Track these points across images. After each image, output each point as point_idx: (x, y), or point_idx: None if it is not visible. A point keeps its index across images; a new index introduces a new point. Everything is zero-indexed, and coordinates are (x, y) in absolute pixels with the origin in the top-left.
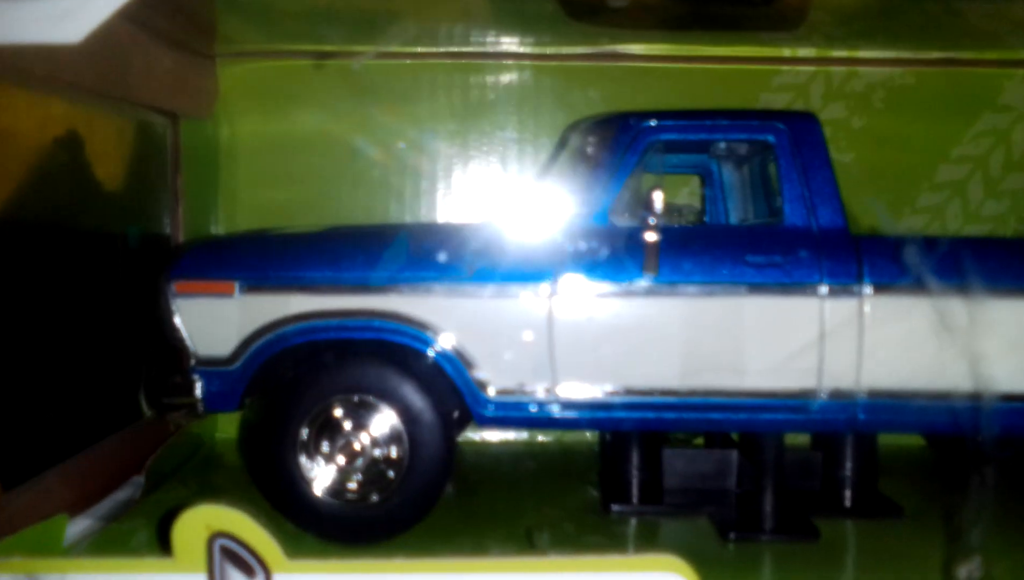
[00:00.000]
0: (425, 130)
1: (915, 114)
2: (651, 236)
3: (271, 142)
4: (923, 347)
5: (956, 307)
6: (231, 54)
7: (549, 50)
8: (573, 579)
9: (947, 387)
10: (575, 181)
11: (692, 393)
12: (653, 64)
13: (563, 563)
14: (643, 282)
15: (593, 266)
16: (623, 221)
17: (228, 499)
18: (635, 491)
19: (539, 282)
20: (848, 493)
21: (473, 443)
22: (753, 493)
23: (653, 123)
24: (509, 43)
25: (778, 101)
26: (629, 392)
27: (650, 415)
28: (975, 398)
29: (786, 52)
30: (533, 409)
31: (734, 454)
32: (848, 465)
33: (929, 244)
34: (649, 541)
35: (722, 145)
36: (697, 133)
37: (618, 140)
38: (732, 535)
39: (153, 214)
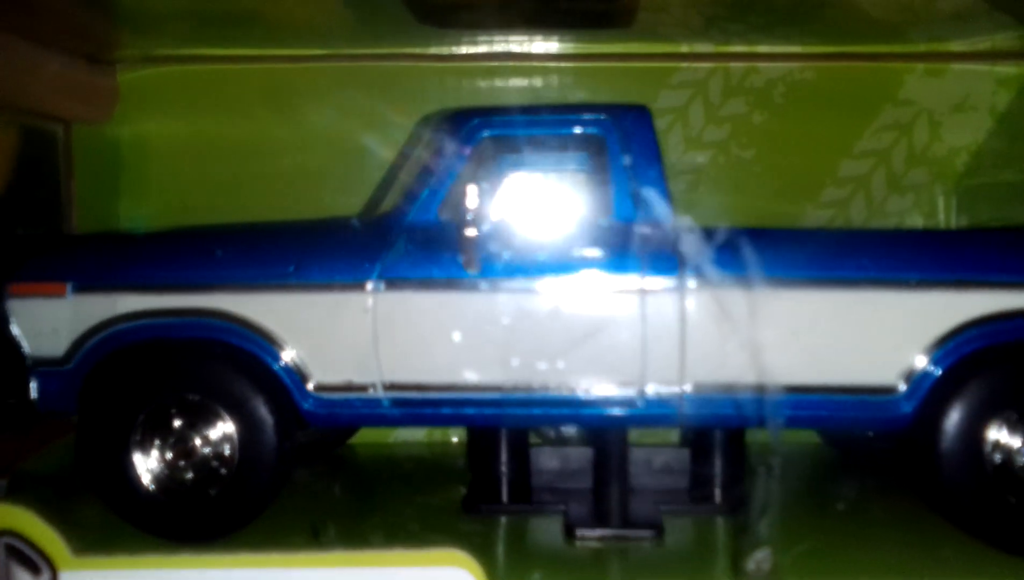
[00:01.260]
0: (316, 132)
1: (816, 109)
2: (469, 231)
3: (175, 145)
4: (745, 339)
5: (778, 299)
6: (133, 59)
7: (433, 50)
8: (359, 574)
9: (770, 378)
10: (413, 177)
11: (517, 388)
12: (550, 64)
13: (349, 558)
14: (465, 278)
15: (417, 262)
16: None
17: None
18: (503, 489)
19: (363, 279)
20: (716, 490)
21: (381, 442)
22: (603, 490)
23: (480, 120)
24: (392, 46)
25: (677, 98)
26: (455, 388)
27: (476, 411)
28: (797, 390)
29: (684, 48)
30: (360, 406)
31: (591, 451)
32: (716, 462)
33: (757, 236)
34: (489, 540)
35: (557, 140)
36: (527, 129)
37: (448, 137)
38: (578, 532)
39: (44, 219)
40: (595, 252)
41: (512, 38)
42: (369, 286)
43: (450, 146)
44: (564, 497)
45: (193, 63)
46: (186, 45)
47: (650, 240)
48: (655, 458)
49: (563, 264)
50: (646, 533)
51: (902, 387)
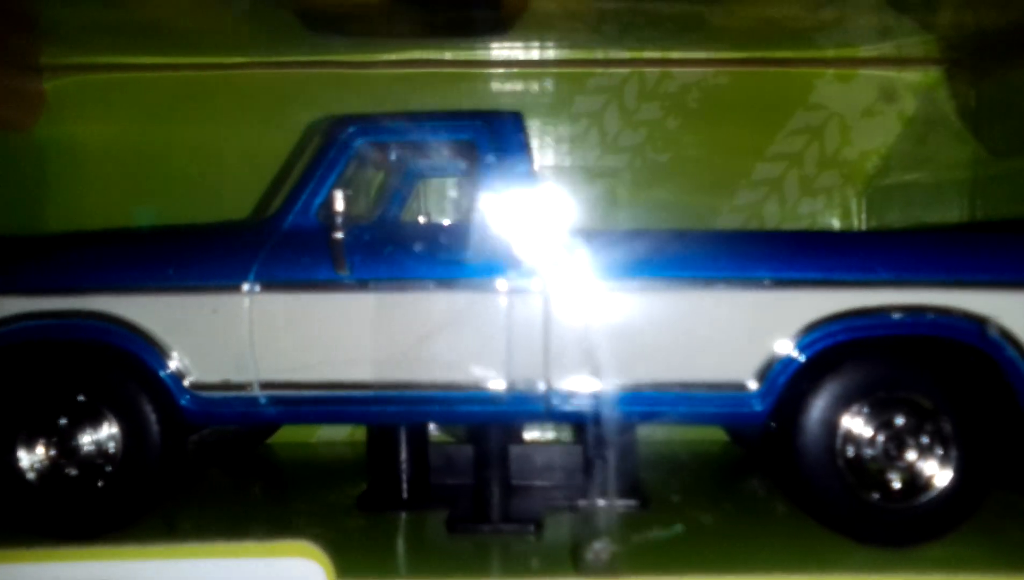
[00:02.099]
0: (227, 137)
1: (730, 113)
2: (336, 235)
3: (98, 150)
4: (612, 337)
5: (636, 298)
6: (57, 67)
7: (328, 57)
8: (210, 565)
9: (634, 378)
10: (294, 182)
11: (387, 386)
12: (468, 69)
13: (200, 549)
14: (335, 279)
15: (291, 265)
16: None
17: None
18: (401, 487)
19: (239, 281)
20: (607, 486)
21: (304, 441)
22: (482, 486)
23: (356, 126)
24: (305, 53)
25: (593, 103)
26: (328, 386)
27: (349, 408)
28: (656, 386)
29: (599, 54)
30: (238, 404)
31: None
32: (609, 458)
33: (620, 238)
34: (370, 537)
35: (432, 145)
36: (402, 135)
37: (326, 142)
38: (458, 528)
39: None
40: (463, 253)
41: (424, 45)
42: (245, 288)
43: (327, 151)
44: (457, 494)
45: (112, 71)
46: (104, 54)
47: (516, 241)
48: (547, 455)
49: (433, 265)
50: (525, 528)
51: (754, 385)
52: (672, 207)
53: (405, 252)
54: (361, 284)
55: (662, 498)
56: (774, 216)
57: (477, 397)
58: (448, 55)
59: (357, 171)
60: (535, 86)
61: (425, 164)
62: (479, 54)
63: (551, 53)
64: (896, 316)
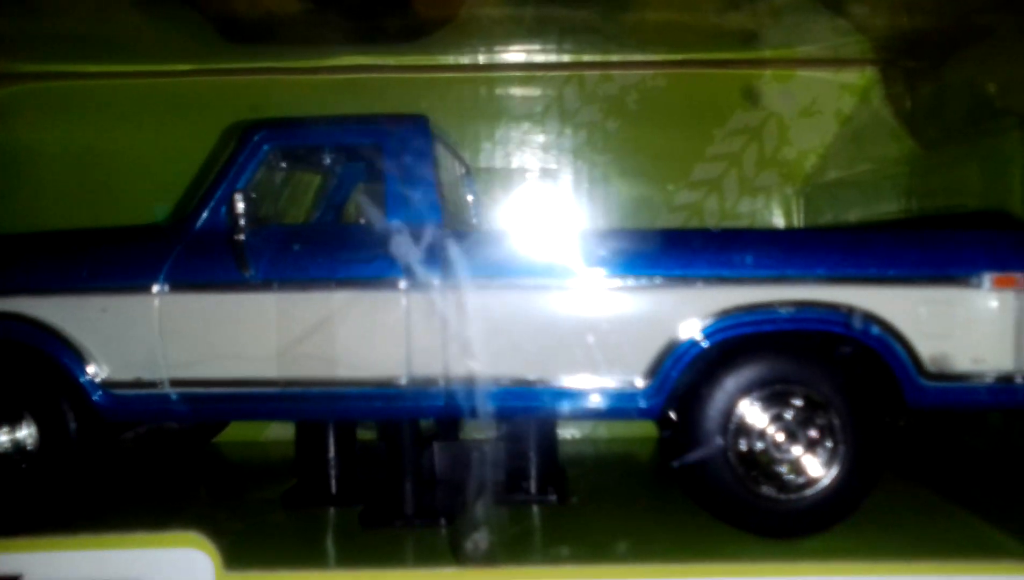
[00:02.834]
0: (167, 144)
1: (669, 115)
2: (238, 237)
3: (46, 157)
4: (501, 334)
5: (528, 298)
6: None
7: (262, 64)
8: (100, 556)
9: (529, 375)
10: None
11: (292, 383)
12: (409, 75)
13: (91, 541)
14: (240, 280)
15: (199, 266)
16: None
17: None
18: (329, 484)
19: (149, 282)
20: (530, 481)
21: (253, 439)
22: (397, 481)
23: (265, 130)
24: (242, 60)
25: (535, 106)
26: (235, 384)
27: (256, 405)
28: (550, 383)
29: (539, 58)
30: (149, 402)
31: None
32: (529, 454)
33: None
34: (278, 531)
35: (339, 149)
36: (311, 139)
37: (237, 146)
38: (370, 523)
39: None
40: (364, 253)
41: (360, 50)
42: (155, 289)
43: (237, 155)
44: (378, 490)
45: (52, 79)
46: (43, 63)
47: (415, 243)
48: (469, 451)
49: (334, 265)
50: (436, 523)
51: (643, 382)
52: (612, 208)
53: (309, 253)
54: (265, 284)
55: (584, 493)
56: (714, 215)
57: (379, 393)
58: (392, 61)
59: (275, 174)
60: (474, 90)
61: (338, 167)
62: (413, 60)
63: (490, 58)
64: (780, 312)
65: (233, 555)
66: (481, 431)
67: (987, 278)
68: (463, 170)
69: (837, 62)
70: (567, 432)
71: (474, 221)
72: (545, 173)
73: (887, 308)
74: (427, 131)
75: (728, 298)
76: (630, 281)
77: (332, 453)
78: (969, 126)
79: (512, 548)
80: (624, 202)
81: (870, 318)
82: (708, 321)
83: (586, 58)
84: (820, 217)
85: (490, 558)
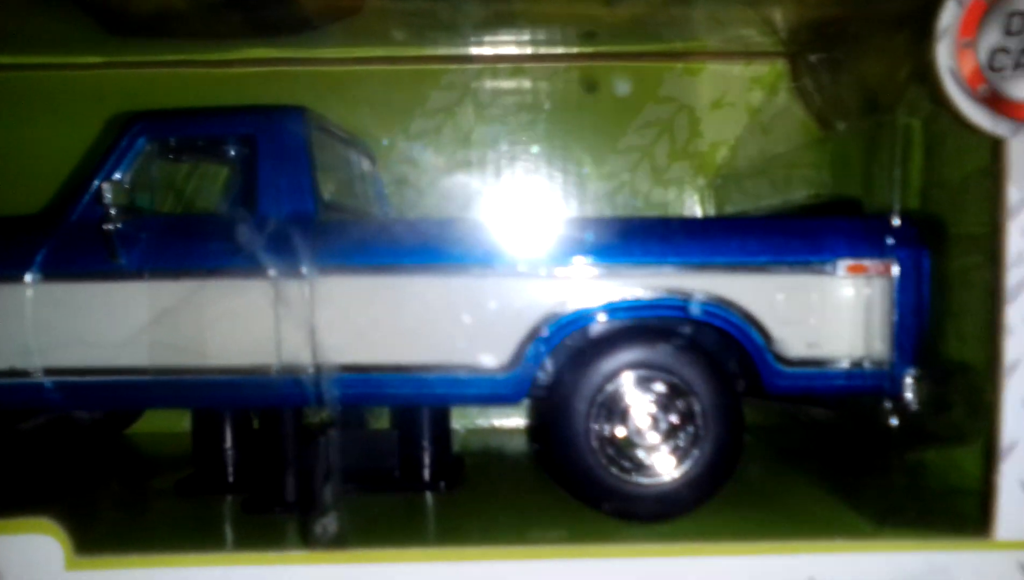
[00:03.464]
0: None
1: (582, 107)
2: (107, 226)
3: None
4: (370, 322)
5: (398, 284)
6: None
7: (214, 56)
8: None
9: (395, 361)
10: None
11: (165, 371)
12: (321, 68)
13: None
14: (111, 269)
15: (71, 256)
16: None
17: None
18: (224, 470)
19: (22, 272)
20: (424, 470)
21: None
22: (276, 470)
23: (141, 121)
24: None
25: (447, 98)
26: (109, 372)
27: (130, 394)
28: (418, 369)
29: (452, 51)
30: (24, 390)
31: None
32: (423, 443)
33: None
34: (151, 521)
35: (215, 140)
36: (187, 130)
37: (115, 138)
38: (251, 509)
39: None
40: (235, 243)
41: (273, 43)
42: (28, 278)
43: (113, 146)
44: (268, 478)
45: None
46: None
47: (286, 232)
48: (360, 440)
49: (205, 254)
50: (316, 510)
51: (509, 368)
52: (526, 200)
53: (181, 242)
54: (137, 273)
55: (479, 482)
56: (626, 208)
57: (250, 382)
58: (303, 54)
59: (152, 165)
60: (392, 83)
61: (217, 158)
62: (328, 52)
63: (410, 51)
64: (640, 299)
65: (99, 541)
66: (379, 421)
67: (840, 265)
68: (366, 162)
69: (747, 55)
70: (485, 421)
71: (378, 211)
72: (461, 165)
73: (744, 295)
74: (301, 122)
75: (588, 286)
76: (494, 270)
77: (228, 442)
78: (857, 118)
79: (377, 534)
80: (537, 194)
81: (727, 305)
82: (570, 309)
83: (500, 51)
84: (733, 208)
85: (339, 542)
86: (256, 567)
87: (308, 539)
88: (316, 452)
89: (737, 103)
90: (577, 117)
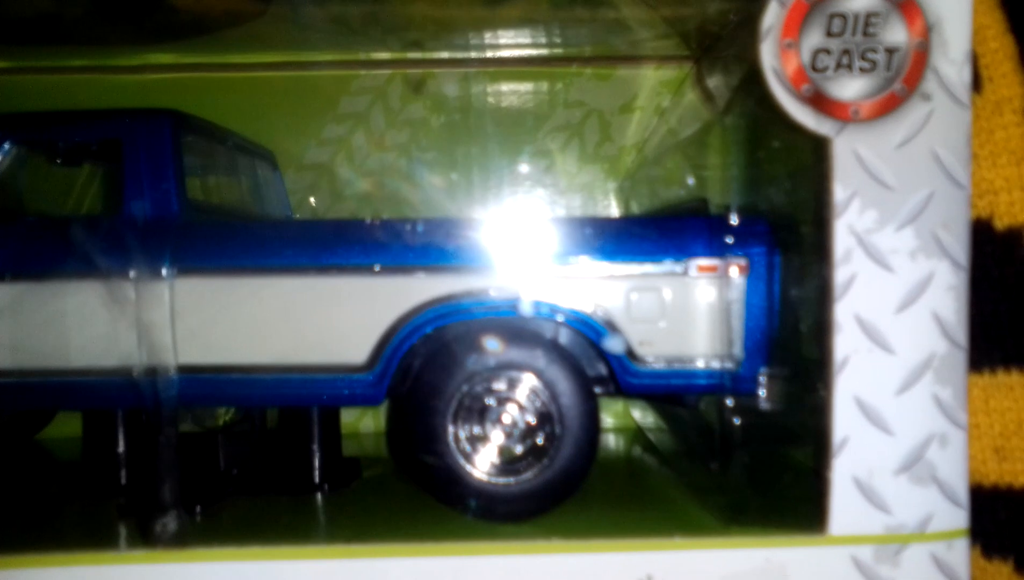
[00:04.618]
0: None
1: (493, 112)
2: None
3: None
4: (230, 323)
5: (261, 286)
6: None
7: (122, 62)
8: None
9: (257, 361)
10: None
11: (30, 373)
12: (222, 74)
13: None
14: None
15: None
16: None
17: None
18: (117, 473)
19: None
20: (313, 471)
21: None
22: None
23: (6, 125)
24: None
25: (359, 103)
26: None
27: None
28: (282, 370)
29: (362, 56)
30: None
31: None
32: (312, 446)
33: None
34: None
35: (83, 144)
36: (53, 133)
37: None
38: (123, 512)
39: None
40: (101, 245)
41: (180, 49)
42: None
43: None
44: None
45: None
46: None
47: (146, 234)
48: (250, 443)
49: (68, 257)
50: (184, 512)
51: (368, 367)
52: (439, 204)
53: (45, 244)
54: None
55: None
56: (541, 210)
57: (115, 383)
58: (203, 59)
59: (20, 169)
60: (303, 89)
61: (74, 161)
62: (264, 57)
63: (318, 56)
64: (496, 299)
65: None
66: (270, 422)
67: (692, 265)
68: (264, 167)
69: (655, 59)
70: None
71: (278, 215)
72: (372, 170)
73: (597, 295)
74: (168, 126)
75: (442, 286)
76: (351, 270)
77: (119, 444)
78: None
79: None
80: (449, 198)
81: (580, 305)
82: (424, 308)
83: (409, 56)
84: (641, 208)
85: (178, 540)
86: (102, 567)
87: (148, 537)
88: (161, 450)
89: (647, 107)
90: (488, 122)
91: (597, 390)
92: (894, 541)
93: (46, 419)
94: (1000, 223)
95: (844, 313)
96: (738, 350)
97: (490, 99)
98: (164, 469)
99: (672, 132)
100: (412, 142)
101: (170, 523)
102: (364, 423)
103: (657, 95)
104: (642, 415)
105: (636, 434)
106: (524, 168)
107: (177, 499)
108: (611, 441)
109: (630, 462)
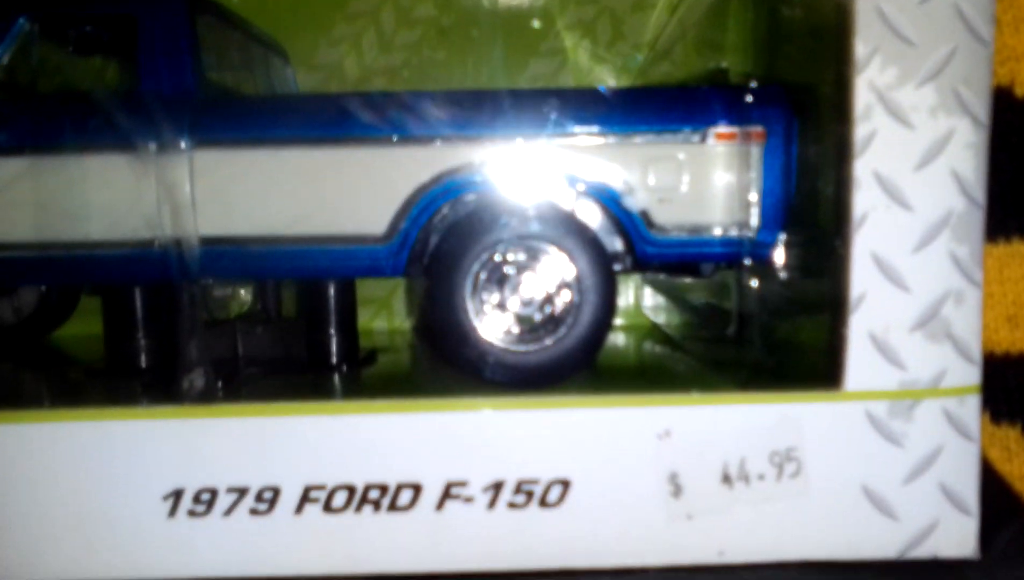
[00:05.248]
0: None
1: (508, 10)
2: None
3: None
4: (250, 195)
5: (278, 158)
6: None
7: None
8: None
9: (277, 233)
10: None
11: (47, 246)
12: None
13: None
14: None
15: None
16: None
17: None
18: (137, 355)
19: None
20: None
21: None
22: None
23: (22, 5)
24: None
25: (369, 2)
26: None
27: (10, 270)
28: (300, 241)
29: None
30: None
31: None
32: (329, 328)
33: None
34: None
35: (95, 21)
36: (67, 8)
37: None
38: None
39: None
40: (119, 119)
41: None
42: None
43: None
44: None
45: None
46: None
47: (167, 108)
48: (272, 329)
49: (83, 130)
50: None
51: (387, 239)
52: None
53: (64, 119)
54: (17, 149)
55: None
56: None
57: (135, 256)
58: None
59: (34, 45)
60: (299, 9)
61: (87, 38)
62: None
63: None
64: (522, 171)
65: None
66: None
67: (710, 133)
68: (276, 59)
69: None
70: None
71: None
72: (382, 69)
73: (616, 165)
74: (182, 5)
75: (460, 157)
76: (370, 140)
77: (138, 329)
78: None
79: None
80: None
81: (599, 174)
82: (445, 180)
83: None
84: None
85: (207, 394)
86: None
87: (176, 394)
88: (184, 310)
89: (658, 3)
90: (500, 20)
91: (615, 267)
92: (908, 397)
93: (61, 317)
94: (1021, 90)
95: (863, 170)
96: (755, 218)
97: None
98: (189, 327)
99: (682, 23)
100: (423, 42)
101: (197, 379)
102: (377, 323)
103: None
104: (653, 309)
105: (650, 331)
106: (535, 67)
107: (203, 356)
108: (622, 338)
109: (643, 351)
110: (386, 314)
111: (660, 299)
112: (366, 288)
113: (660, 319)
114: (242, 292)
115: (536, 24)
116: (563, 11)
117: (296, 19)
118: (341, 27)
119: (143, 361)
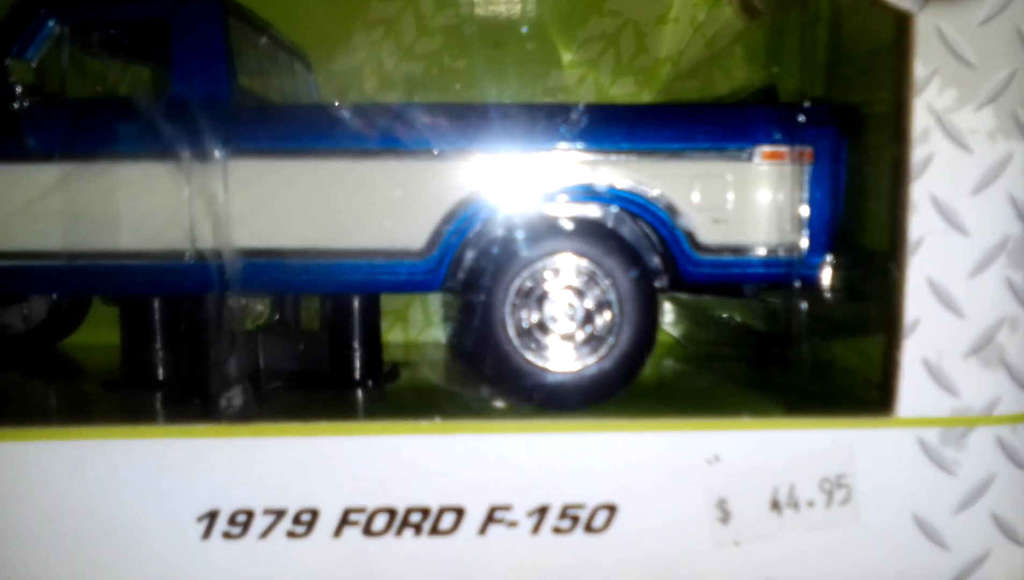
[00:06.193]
0: None
1: (526, 20)
2: (12, 105)
3: None
4: (286, 207)
5: (316, 169)
6: None
7: None
8: None
9: (312, 246)
10: None
11: (77, 256)
12: None
13: None
14: (19, 151)
15: None
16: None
17: None
18: (154, 368)
19: None
20: (355, 370)
21: None
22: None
23: (48, 6)
24: None
25: (389, 9)
26: (18, 257)
27: (41, 280)
28: (337, 255)
29: None
30: None
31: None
32: (354, 342)
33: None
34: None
35: (129, 25)
36: (99, 13)
37: (25, 24)
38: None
39: None
40: (151, 126)
41: None
42: None
43: (26, 31)
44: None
45: None
46: None
47: (202, 116)
48: (295, 343)
49: (115, 138)
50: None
51: (426, 254)
52: None
53: (94, 125)
54: (47, 155)
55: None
56: None
57: (165, 267)
58: None
59: (64, 49)
60: (323, 8)
61: (119, 42)
62: None
63: None
64: (563, 186)
65: None
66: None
67: (757, 152)
68: (299, 66)
69: None
70: None
71: None
72: (402, 78)
73: (660, 182)
74: (217, 9)
75: (506, 173)
76: (410, 153)
77: (160, 338)
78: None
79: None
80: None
81: (643, 191)
82: (486, 195)
83: None
84: None
85: (245, 413)
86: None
87: (214, 413)
88: (224, 327)
89: (682, 19)
90: (521, 31)
91: (657, 285)
92: (960, 424)
93: (72, 325)
94: None
95: (920, 193)
96: (802, 238)
97: (524, 7)
98: (227, 343)
99: (711, 43)
100: (444, 50)
101: (236, 398)
102: (394, 335)
103: (693, 6)
104: (674, 326)
105: (673, 348)
106: (557, 79)
107: (243, 374)
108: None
109: (675, 370)
110: (402, 326)
111: (679, 314)
112: (383, 299)
113: (677, 334)
114: (258, 305)
115: (557, 35)
116: (586, 22)
117: (313, 25)
118: (361, 33)
119: (161, 373)
